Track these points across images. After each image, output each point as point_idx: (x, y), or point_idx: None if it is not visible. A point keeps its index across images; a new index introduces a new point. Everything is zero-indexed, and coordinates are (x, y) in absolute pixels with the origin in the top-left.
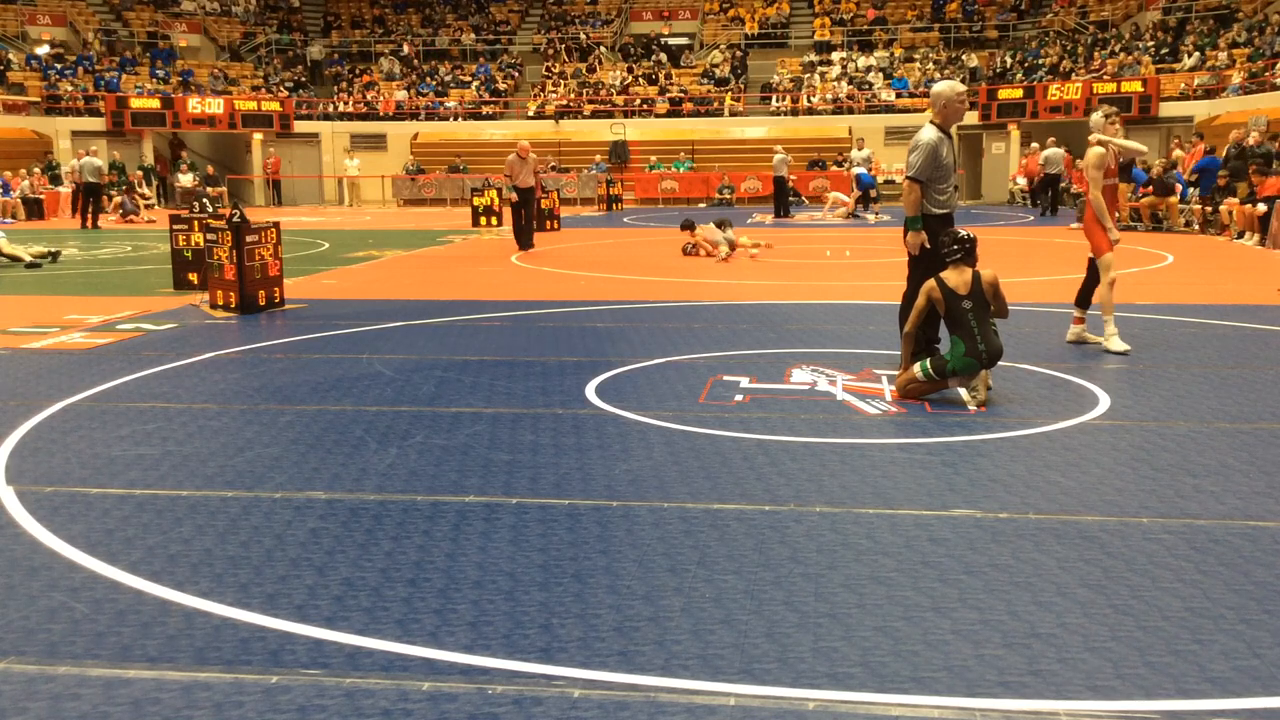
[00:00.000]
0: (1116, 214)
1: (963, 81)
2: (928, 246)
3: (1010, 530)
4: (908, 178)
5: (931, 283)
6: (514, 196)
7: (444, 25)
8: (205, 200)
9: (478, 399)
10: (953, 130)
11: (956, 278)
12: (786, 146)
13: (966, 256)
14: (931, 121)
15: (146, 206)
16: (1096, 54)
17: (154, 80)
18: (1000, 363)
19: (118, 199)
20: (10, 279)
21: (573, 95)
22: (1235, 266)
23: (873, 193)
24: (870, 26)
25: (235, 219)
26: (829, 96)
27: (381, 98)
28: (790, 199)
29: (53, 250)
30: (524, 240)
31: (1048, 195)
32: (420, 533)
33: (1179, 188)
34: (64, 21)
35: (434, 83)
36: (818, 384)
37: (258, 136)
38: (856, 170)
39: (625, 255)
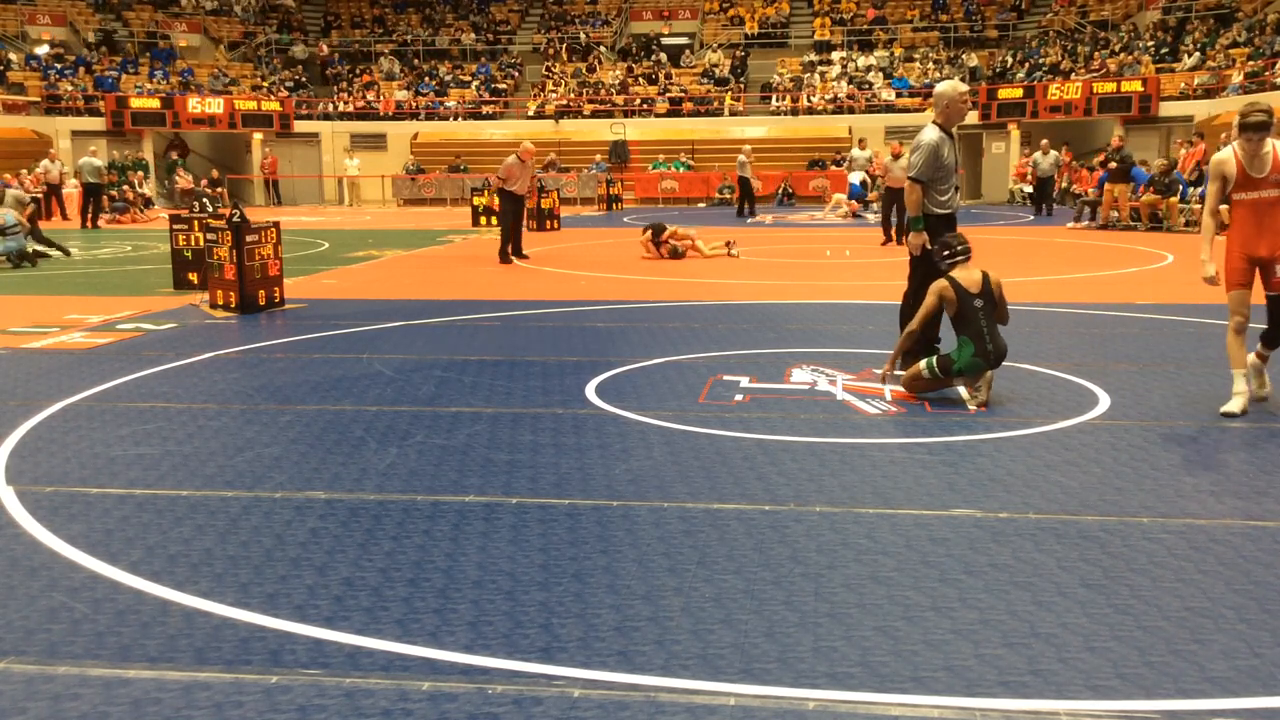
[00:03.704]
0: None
1: (963, 81)
2: (929, 247)
3: (1010, 530)
4: (909, 178)
5: (944, 283)
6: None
7: (444, 25)
8: (205, 200)
9: (478, 399)
10: (953, 130)
11: (967, 277)
12: (786, 146)
13: (967, 255)
14: (934, 122)
15: (147, 205)
16: (1096, 54)
17: (154, 80)
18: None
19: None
20: (9, 279)
21: (572, 95)
22: None
23: (873, 193)
24: (870, 26)
25: (235, 219)
26: (829, 96)
27: (381, 97)
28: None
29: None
30: (514, 248)
31: (1046, 194)
32: (420, 533)
33: (1180, 187)
34: (64, 21)
35: (434, 82)
36: (818, 384)
37: (258, 136)
38: (851, 176)
39: (625, 255)
